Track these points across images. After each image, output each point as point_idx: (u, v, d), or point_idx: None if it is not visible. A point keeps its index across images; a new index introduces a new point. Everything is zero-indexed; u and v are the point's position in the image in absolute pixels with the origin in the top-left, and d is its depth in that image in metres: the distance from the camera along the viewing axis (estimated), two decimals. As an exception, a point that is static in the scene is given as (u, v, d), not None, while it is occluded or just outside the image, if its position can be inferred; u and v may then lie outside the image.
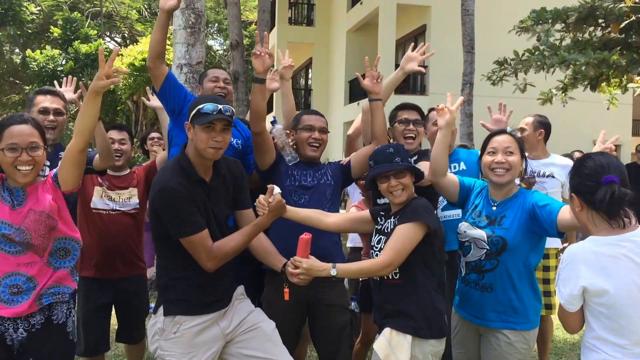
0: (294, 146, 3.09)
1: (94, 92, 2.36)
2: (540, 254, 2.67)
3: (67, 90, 3.47)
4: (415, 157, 3.22)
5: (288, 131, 3.14)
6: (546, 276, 3.82)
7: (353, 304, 3.41)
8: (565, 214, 2.40)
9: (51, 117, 3.14)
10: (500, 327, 2.59)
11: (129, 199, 3.50)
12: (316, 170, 3.05)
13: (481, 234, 2.62)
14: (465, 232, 2.70)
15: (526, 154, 2.76)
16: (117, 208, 3.45)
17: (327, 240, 2.89)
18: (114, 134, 3.60)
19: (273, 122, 3.16)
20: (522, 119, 4.10)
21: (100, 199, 3.43)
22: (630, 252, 1.93)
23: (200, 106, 2.41)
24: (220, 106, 2.41)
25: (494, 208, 2.65)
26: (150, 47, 3.07)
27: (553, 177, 3.89)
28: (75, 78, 3.68)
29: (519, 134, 3.91)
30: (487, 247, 2.59)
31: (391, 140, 3.33)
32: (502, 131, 2.75)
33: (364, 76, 3.16)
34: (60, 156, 2.88)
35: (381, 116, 3.07)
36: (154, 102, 3.86)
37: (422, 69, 3.24)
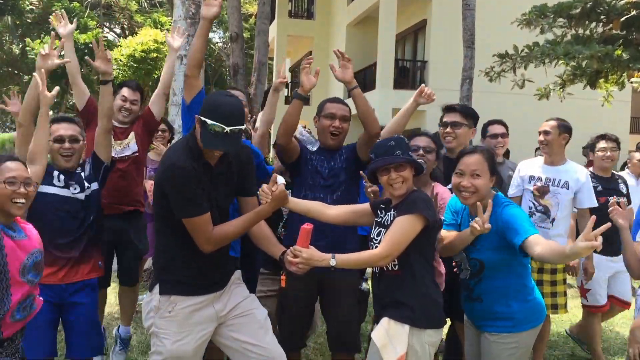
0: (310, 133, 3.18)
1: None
2: (526, 261, 2.69)
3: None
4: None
5: (304, 126, 3.22)
6: (553, 278, 3.81)
7: (363, 284, 3.44)
8: (533, 245, 2.37)
9: (67, 144, 3.10)
10: (490, 330, 2.68)
11: (128, 144, 3.80)
12: (332, 155, 3.11)
13: (462, 255, 2.71)
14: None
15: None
16: (117, 155, 3.67)
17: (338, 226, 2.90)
18: (126, 93, 3.77)
19: None
20: (545, 121, 3.90)
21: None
22: None
23: (211, 122, 2.35)
24: (227, 129, 2.35)
25: None
26: (190, 55, 3.02)
27: (567, 187, 3.72)
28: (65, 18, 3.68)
29: (541, 137, 3.78)
30: (469, 268, 2.68)
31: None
32: (474, 150, 2.71)
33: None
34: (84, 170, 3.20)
35: (362, 103, 3.00)
36: (13, 107, 3.76)
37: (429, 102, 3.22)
